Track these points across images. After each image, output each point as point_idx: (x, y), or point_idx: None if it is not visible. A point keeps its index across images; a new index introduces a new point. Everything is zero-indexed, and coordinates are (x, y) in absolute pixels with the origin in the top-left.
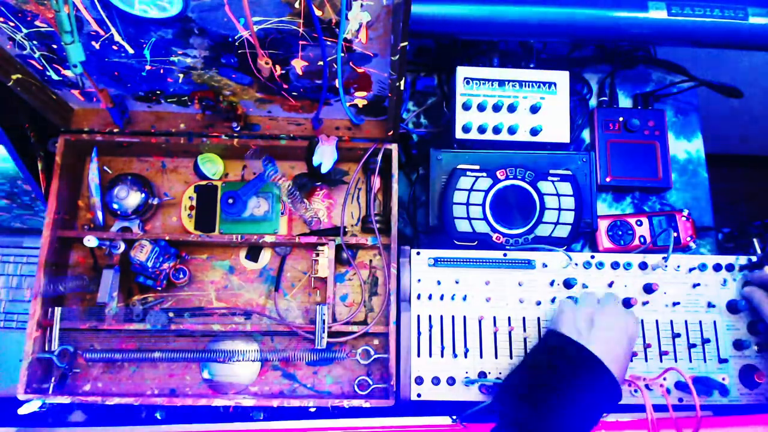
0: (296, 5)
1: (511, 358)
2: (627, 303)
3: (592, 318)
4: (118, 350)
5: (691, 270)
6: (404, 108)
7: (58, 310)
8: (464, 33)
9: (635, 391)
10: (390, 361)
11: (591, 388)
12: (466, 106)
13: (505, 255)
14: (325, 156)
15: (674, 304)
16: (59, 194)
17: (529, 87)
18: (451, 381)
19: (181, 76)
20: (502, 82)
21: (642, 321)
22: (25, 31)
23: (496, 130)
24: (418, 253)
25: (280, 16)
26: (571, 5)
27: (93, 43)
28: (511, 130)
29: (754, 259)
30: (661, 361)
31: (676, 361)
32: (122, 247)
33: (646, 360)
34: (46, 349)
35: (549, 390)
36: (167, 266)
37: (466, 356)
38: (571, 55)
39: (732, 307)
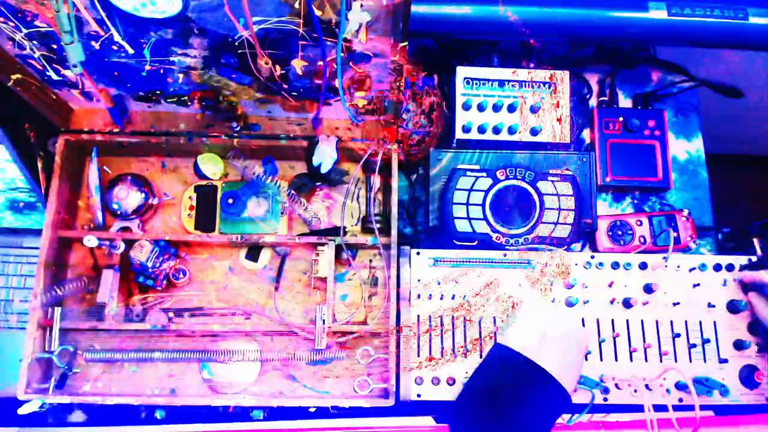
0: (296, 5)
1: None
2: (627, 303)
3: (541, 331)
4: (118, 350)
5: (691, 270)
6: (404, 108)
7: (58, 310)
8: (464, 33)
9: (635, 391)
10: (390, 361)
11: (543, 400)
12: (466, 106)
13: (505, 255)
14: (325, 156)
15: (674, 304)
16: (59, 194)
17: (529, 87)
18: (451, 381)
19: (181, 76)
20: (502, 82)
21: (642, 321)
22: (25, 31)
23: (496, 130)
24: (418, 253)
25: (280, 16)
26: (571, 5)
27: (93, 43)
28: (511, 130)
29: (754, 259)
30: (661, 361)
31: (676, 361)
32: (122, 247)
33: (646, 360)
34: (46, 349)
35: (501, 407)
36: (167, 266)
37: (466, 356)
38: (571, 55)
39: (732, 307)
